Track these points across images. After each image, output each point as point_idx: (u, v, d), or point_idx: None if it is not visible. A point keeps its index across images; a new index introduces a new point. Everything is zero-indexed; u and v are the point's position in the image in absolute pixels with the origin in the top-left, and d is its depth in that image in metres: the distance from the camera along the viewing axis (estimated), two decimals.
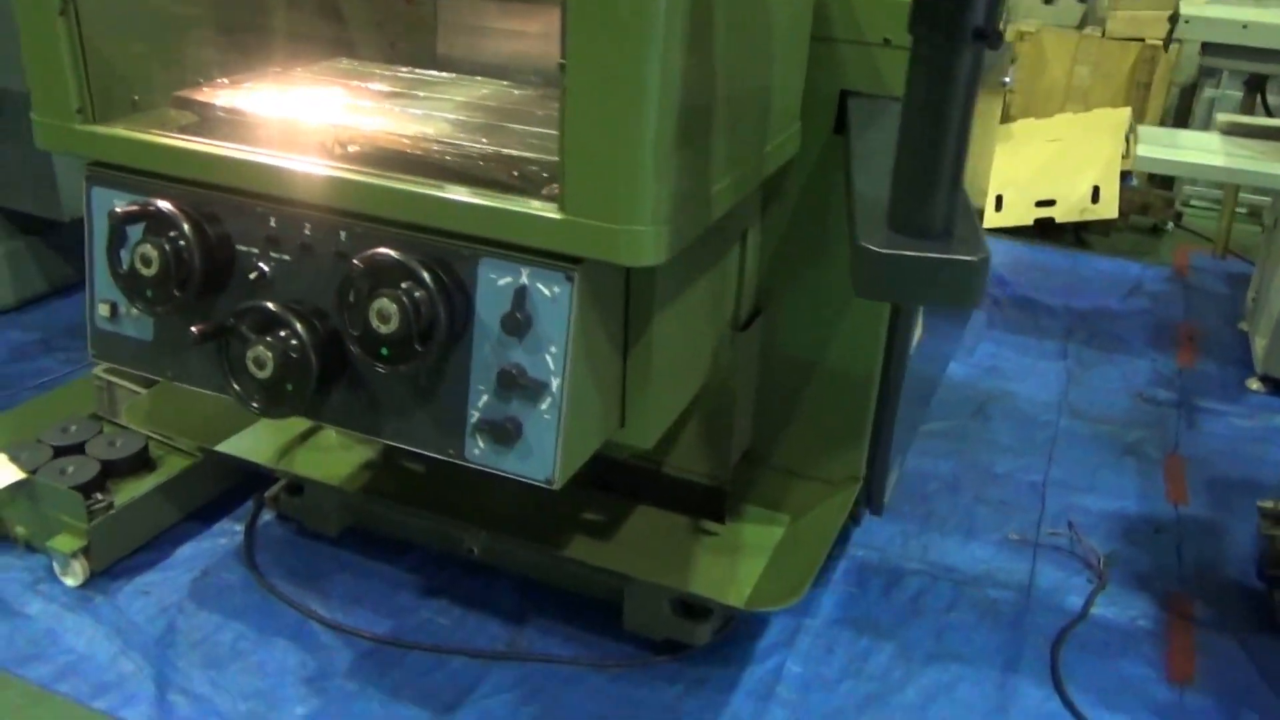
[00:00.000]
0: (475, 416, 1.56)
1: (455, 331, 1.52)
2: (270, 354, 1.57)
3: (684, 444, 2.11)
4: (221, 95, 1.82)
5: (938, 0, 1.13)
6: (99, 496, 2.38)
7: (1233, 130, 2.06)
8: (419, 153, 1.64)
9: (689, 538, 2.13)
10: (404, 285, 1.48)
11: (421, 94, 1.96)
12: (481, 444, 1.57)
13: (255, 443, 2.39)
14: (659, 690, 2.06)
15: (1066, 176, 4.25)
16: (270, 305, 1.58)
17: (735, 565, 2.05)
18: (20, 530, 2.39)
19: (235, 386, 1.63)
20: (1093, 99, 4.78)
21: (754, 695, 2.06)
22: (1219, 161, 1.88)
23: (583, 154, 1.38)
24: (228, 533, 2.51)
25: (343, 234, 1.59)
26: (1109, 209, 4.16)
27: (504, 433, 1.53)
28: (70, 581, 2.31)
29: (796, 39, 1.82)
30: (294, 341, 1.56)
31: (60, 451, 2.48)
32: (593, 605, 2.22)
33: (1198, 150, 1.93)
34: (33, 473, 2.36)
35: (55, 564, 2.32)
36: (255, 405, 1.62)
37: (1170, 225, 4.70)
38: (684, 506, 2.18)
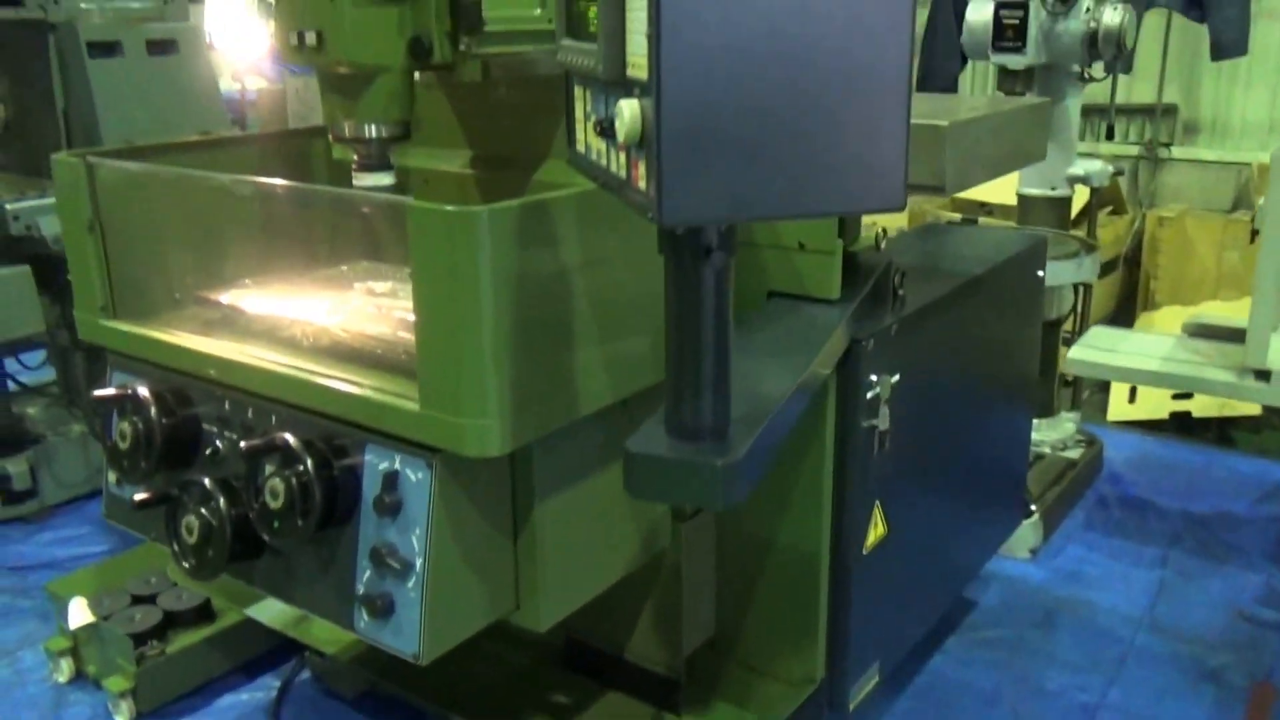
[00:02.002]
0: (360, 590, 1.69)
1: (342, 510, 1.67)
2: (196, 522, 1.76)
3: (640, 631, 2.14)
4: (228, 295, 2.10)
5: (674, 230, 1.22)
6: (154, 643, 2.64)
7: (1198, 332, 1.94)
8: (359, 345, 1.84)
9: None
10: (293, 467, 1.65)
11: (403, 295, 2.18)
12: (365, 617, 1.68)
13: (284, 606, 2.59)
14: None
15: None
16: (204, 479, 1.79)
17: None
18: (91, 668, 2.69)
19: (175, 548, 1.83)
20: (1248, 286, 4.51)
21: None
22: (1153, 366, 1.78)
23: (432, 354, 1.53)
24: (267, 687, 2.71)
25: (273, 417, 1.79)
26: (1251, 403, 3.86)
27: (379, 608, 1.65)
28: (119, 719, 2.56)
29: None
30: (216, 512, 1.75)
31: (136, 600, 2.77)
32: None
33: (1137, 354, 1.84)
34: (105, 618, 2.66)
35: (109, 702, 2.58)
36: (186, 567, 1.81)
37: None
38: (645, 695, 2.18)
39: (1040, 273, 2.71)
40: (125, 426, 1.90)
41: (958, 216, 5.02)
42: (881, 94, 1.07)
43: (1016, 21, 3.28)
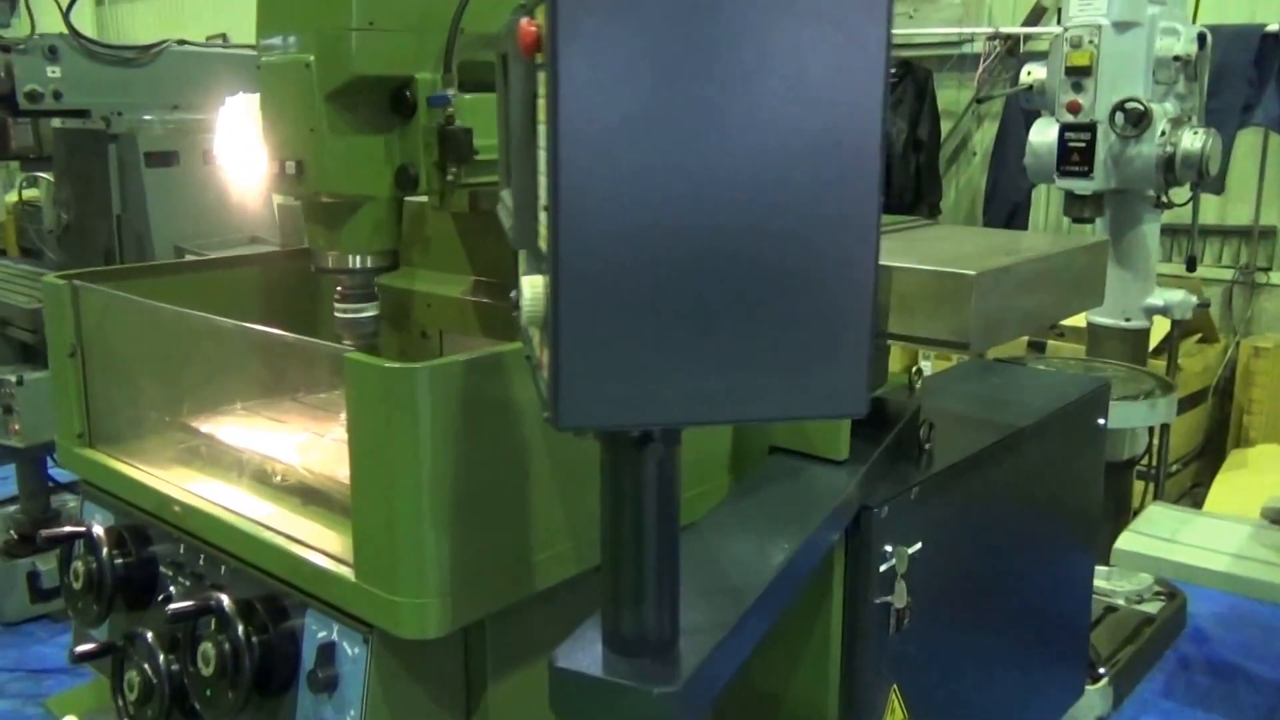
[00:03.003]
0: None
1: (279, 680, 1.52)
2: (138, 678, 1.64)
3: None
4: (210, 422, 2.00)
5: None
6: None
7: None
8: (324, 489, 1.71)
9: None
10: (225, 631, 1.51)
11: None
12: None
13: None
14: None
15: None
16: (147, 633, 1.66)
17: None
18: None
19: (118, 703, 1.70)
20: None
21: None
22: (1220, 565, 1.53)
23: (366, 523, 1.39)
24: None
25: (223, 568, 1.66)
26: None
27: None
28: None
29: None
30: (157, 670, 1.62)
31: None
32: None
33: (1200, 547, 1.58)
34: None
35: None
36: None
37: None
38: None
39: (1101, 420, 2.47)
40: (79, 566, 1.79)
41: (1023, 340, 4.77)
42: (837, 282, 0.90)
43: (1084, 145, 3.08)
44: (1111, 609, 3.38)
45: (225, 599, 1.53)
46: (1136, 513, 3.65)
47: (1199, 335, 4.62)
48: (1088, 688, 2.88)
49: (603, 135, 0.83)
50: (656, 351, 0.87)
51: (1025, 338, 4.82)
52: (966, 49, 6.00)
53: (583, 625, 1.20)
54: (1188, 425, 4.51)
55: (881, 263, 1.77)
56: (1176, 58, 3.04)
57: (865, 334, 0.91)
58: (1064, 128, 3.13)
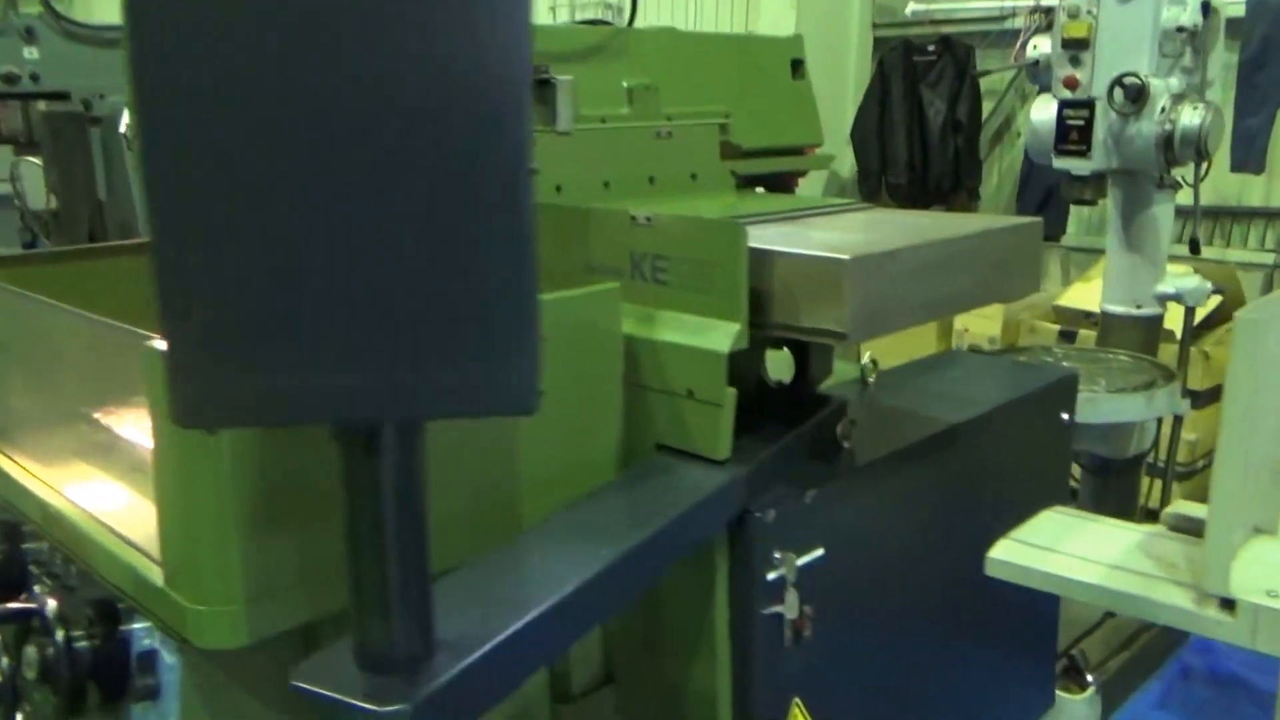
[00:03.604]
0: None
1: (108, 690, 1.46)
2: None
3: None
4: (111, 414, 1.96)
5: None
6: None
7: (1180, 525, 1.51)
8: None
9: None
10: (47, 636, 1.46)
11: None
12: None
13: None
14: None
15: None
16: None
17: None
18: None
19: None
20: None
21: None
22: (1093, 576, 1.35)
23: (169, 529, 1.32)
24: None
25: (73, 569, 1.61)
26: None
27: None
28: None
29: (581, 393, 1.64)
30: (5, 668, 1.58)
31: None
32: None
33: (1080, 557, 1.40)
34: None
35: None
36: None
37: None
38: None
39: (1065, 415, 2.29)
40: None
41: (1055, 329, 4.53)
42: (489, 271, 0.79)
43: (1082, 122, 2.89)
44: (1111, 614, 3.19)
45: (51, 602, 1.48)
46: (1154, 513, 3.44)
47: (1232, 322, 4.33)
48: (1073, 697, 2.71)
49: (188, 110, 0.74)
50: (283, 346, 0.77)
51: (1056, 327, 4.59)
52: (1009, 24, 5.73)
53: (341, 640, 1.11)
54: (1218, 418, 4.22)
55: (761, 247, 1.66)
56: (1181, 29, 2.83)
57: (529, 326, 0.80)
58: (1062, 104, 2.93)
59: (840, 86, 5.82)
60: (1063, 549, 1.44)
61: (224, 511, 1.26)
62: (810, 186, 5.89)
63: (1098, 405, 2.80)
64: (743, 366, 1.62)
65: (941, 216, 1.92)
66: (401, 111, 0.75)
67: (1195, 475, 4.24)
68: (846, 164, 5.80)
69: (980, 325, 4.88)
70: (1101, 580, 1.33)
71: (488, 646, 1.09)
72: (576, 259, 1.79)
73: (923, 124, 5.48)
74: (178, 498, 1.30)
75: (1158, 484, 3.46)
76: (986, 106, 5.76)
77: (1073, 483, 3.33)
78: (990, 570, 1.43)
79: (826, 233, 1.71)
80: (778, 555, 1.64)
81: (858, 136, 5.61)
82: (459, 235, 0.78)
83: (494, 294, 0.79)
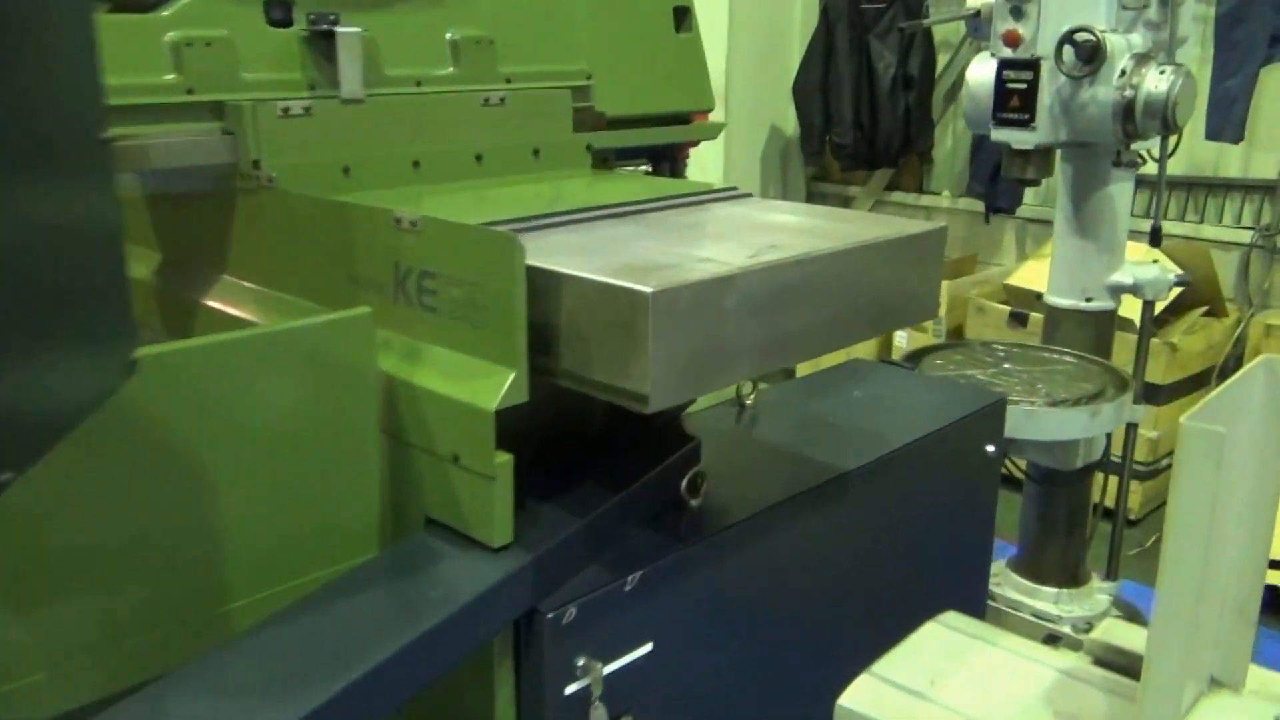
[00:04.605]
0: None
1: None
2: None
3: None
4: None
5: None
6: None
7: (1105, 659, 1.12)
8: None
9: None
10: None
11: None
12: None
13: None
14: None
15: None
16: None
17: None
18: None
19: None
20: None
21: None
22: None
23: None
24: None
25: None
26: None
27: None
28: None
29: (323, 447, 1.24)
30: None
31: None
32: None
33: (956, 713, 1.03)
34: None
35: None
36: None
37: None
38: None
39: (991, 447, 1.91)
40: None
41: (1005, 310, 4.15)
42: None
43: (1024, 86, 2.47)
44: (1054, 638, 2.85)
45: None
46: (1110, 512, 3.08)
47: (1204, 308, 3.97)
48: None
49: None
50: None
51: (1006, 308, 4.21)
52: None
53: None
54: (1187, 409, 3.87)
55: (546, 266, 1.25)
56: None
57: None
58: (1001, 64, 2.51)
59: (783, 34, 5.37)
60: (939, 694, 1.06)
61: None
62: (744, 150, 5.41)
63: (1036, 421, 2.42)
64: (545, 405, 1.22)
65: (832, 218, 1.51)
66: None
67: (1158, 475, 3.89)
68: (790, 122, 5.36)
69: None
70: None
71: None
72: (339, 270, 1.39)
73: (871, 79, 5.01)
74: None
75: (1114, 480, 3.08)
76: (941, 60, 5.31)
77: (1016, 473, 2.96)
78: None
79: (656, 242, 1.30)
80: (580, 662, 1.26)
81: (800, 91, 5.15)
82: None
83: None
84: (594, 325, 1.10)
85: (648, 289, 1.05)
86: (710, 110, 2.19)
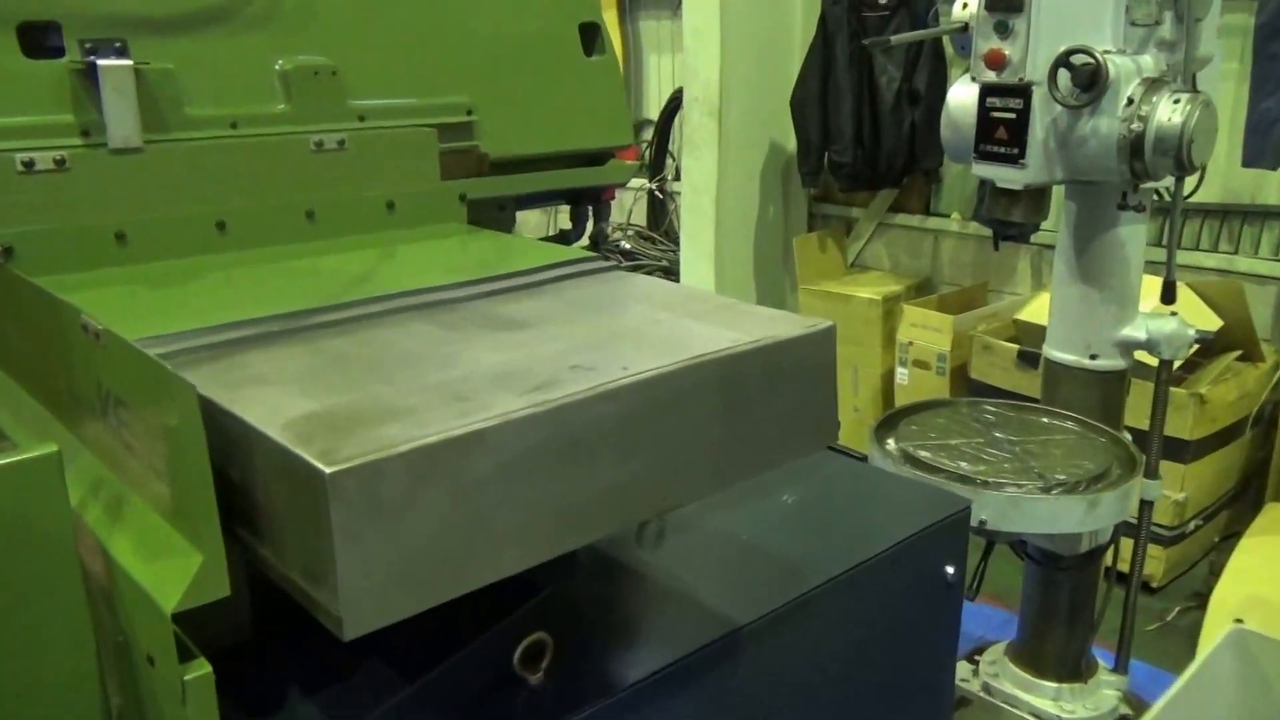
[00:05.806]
0: None
1: None
2: None
3: None
4: None
5: None
6: None
7: None
8: None
9: None
10: None
11: None
12: None
13: None
14: None
15: None
16: None
17: None
18: None
19: None
20: None
21: None
22: None
23: None
24: None
25: None
26: None
27: None
28: None
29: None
30: None
31: None
32: None
33: None
34: None
35: None
36: None
37: None
38: None
39: (950, 569, 1.56)
40: None
41: (1014, 349, 3.77)
42: None
43: (1012, 116, 2.11)
44: None
45: None
46: (1123, 576, 2.70)
47: (1238, 352, 3.58)
48: None
49: None
50: None
51: (1015, 346, 3.83)
52: None
53: None
54: (1218, 467, 3.49)
55: (233, 407, 0.80)
56: None
57: None
58: (985, 90, 2.16)
59: (783, 43, 5.00)
60: None
61: None
62: (740, 169, 4.98)
63: (1024, 511, 2.06)
64: None
65: (699, 315, 1.15)
66: None
67: (1184, 539, 3.49)
68: (791, 138, 5.00)
69: (928, 339, 4.13)
70: None
71: None
72: (60, 379, 1.06)
73: (873, 93, 4.64)
74: None
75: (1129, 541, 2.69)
76: (954, 75, 4.92)
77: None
78: None
79: (430, 363, 0.96)
80: None
81: (798, 104, 4.78)
82: None
83: None
84: (280, 506, 0.77)
85: (326, 468, 0.71)
86: (628, 146, 1.85)
